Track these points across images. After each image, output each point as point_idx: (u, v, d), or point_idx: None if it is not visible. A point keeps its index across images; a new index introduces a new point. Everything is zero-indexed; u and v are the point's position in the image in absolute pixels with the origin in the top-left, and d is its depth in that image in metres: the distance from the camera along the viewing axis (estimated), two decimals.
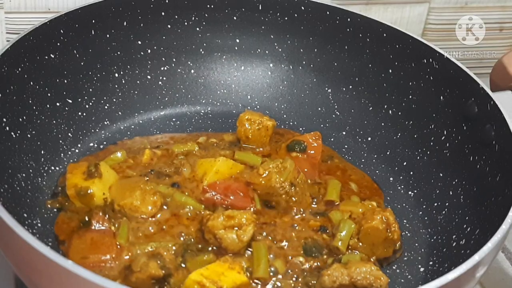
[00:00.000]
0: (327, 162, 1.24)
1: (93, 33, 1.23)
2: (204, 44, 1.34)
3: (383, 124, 1.28)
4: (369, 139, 1.29)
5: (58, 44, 1.18)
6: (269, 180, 1.08)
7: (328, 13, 1.30)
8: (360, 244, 1.05)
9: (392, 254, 1.07)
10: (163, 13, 1.29)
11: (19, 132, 1.09)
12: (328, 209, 1.12)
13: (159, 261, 0.96)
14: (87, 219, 1.04)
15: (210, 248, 1.02)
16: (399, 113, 1.27)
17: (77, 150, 1.20)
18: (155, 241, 1.02)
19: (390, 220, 1.05)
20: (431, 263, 1.08)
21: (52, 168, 1.14)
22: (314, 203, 1.13)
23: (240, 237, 1.01)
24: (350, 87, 1.32)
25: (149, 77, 1.31)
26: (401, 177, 1.23)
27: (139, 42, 1.29)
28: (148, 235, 1.03)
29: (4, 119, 1.05)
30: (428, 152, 1.21)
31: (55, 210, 1.08)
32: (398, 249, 1.08)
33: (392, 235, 1.05)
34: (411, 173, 1.22)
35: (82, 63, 1.22)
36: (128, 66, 1.29)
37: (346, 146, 1.29)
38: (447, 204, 1.14)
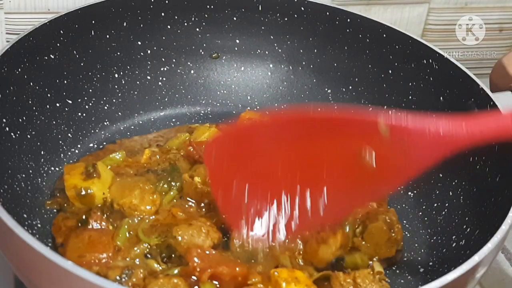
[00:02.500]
0: None
1: (93, 33, 1.23)
2: (204, 45, 1.34)
3: None
4: None
5: (58, 44, 1.18)
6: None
7: (328, 13, 1.30)
8: (364, 243, 1.05)
9: (395, 254, 1.07)
10: (163, 14, 1.29)
11: (19, 132, 1.09)
12: None
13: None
14: (84, 217, 1.04)
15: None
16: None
17: (76, 151, 1.20)
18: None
19: (393, 220, 1.06)
20: (430, 263, 1.08)
21: (52, 168, 1.14)
22: None
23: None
24: (350, 87, 1.32)
25: (149, 77, 1.31)
26: None
27: (139, 43, 1.29)
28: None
29: (4, 120, 1.05)
30: None
31: (54, 210, 1.08)
32: (401, 250, 1.09)
33: (395, 235, 1.05)
34: None
35: (82, 64, 1.22)
36: (128, 67, 1.29)
37: None
38: (446, 204, 1.14)
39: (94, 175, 1.07)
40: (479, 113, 0.90)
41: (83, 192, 1.06)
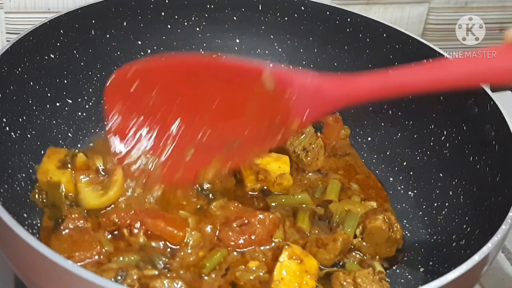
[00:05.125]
0: (337, 157, 1.25)
1: (93, 33, 1.23)
2: (204, 44, 1.34)
3: (383, 124, 1.28)
4: (369, 139, 1.29)
5: (58, 44, 1.18)
6: (284, 143, 1.16)
7: (328, 13, 1.30)
8: (364, 243, 1.06)
9: (395, 254, 1.08)
10: (163, 13, 1.29)
11: (19, 132, 1.09)
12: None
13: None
14: (60, 221, 1.04)
15: None
16: (399, 113, 1.26)
17: (77, 150, 1.20)
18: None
19: (392, 219, 1.06)
20: (431, 263, 1.08)
21: None
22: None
23: None
24: None
25: None
26: (401, 177, 1.23)
27: (139, 42, 1.29)
28: None
29: (4, 119, 1.05)
30: (428, 152, 1.21)
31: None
32: (401, 249, 1.09)
33: (395, 235, 1.06)
34: (411, 173, 1.22)
35: (82, 63, 1.22)
36: None
37: None
38: (447, 204, 1.14)
39: (69, 165, 1.07)
40: (360, 75, 0.96)
41: (51, 179, 1.06)
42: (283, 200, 1.13)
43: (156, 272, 0.96)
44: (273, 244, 1.05)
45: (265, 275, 0.99)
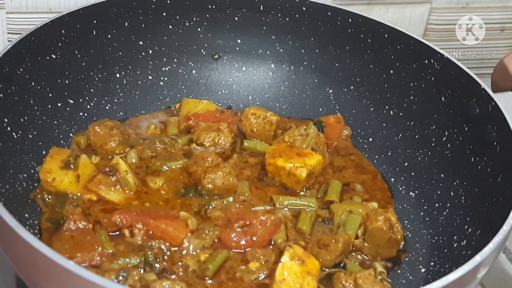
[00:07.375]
0: (339, 156, 1.25)
1: (94, 33, 1.23)
2: (206, 45, 1.34)
3: (384, 124, 1.28)
4: (370, 139, 1.29)
5: (60, 44, 1.18)
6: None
7: (329, 13, 1.30)
8: (366, 244, 1.06)
9: (397, 255, 1.08)
10: (164, 14, 1.29)
11: (20, 132, 1.09)
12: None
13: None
14: (61, 222, 1.03)
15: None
16: (400, 114, 1.27)
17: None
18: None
19: (392, 220, 1.06)
20: (432, 264, 1.08)
21: None
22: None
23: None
24: (352, 87, 1.32)
25: (150, 77, 1.31)
26: (402, 178, 1.23)
27: (141, 43, 1.29)
28: None
29: (6, 119, 1.06)
30: (430, 153, 1.21)
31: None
32: (403, 250, 1.09)
33: (395, 235, 1.06)
34: (412, 174, 1.22)
35: (83, 64, 1.23)
36: (130, 67, 1.29)
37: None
38: (448, 205, 1.14)
39: (72, 166, 1.07)
40: None
41: (54, 179, 1.06)
42: (290, 201, 1.12)
43: (157, 274, 0.96)
44: (270, 246, 1.05)
45: (266, 276, 0.99)
